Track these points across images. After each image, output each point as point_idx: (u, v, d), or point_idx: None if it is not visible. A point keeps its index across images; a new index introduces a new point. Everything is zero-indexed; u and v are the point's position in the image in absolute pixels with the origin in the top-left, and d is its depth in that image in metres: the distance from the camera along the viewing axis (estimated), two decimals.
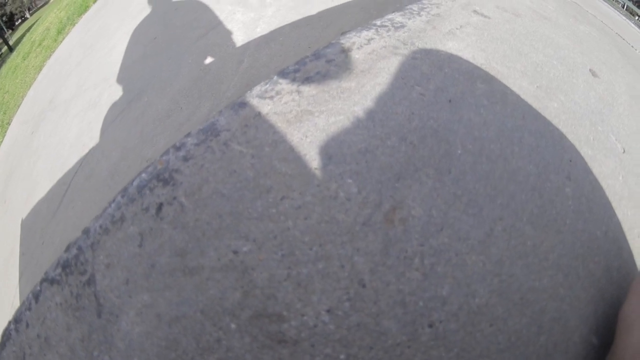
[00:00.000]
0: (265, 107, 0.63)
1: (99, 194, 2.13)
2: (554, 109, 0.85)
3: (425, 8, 1.07)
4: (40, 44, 6.36)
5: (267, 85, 0.69)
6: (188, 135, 0.63)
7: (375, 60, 0.74)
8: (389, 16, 0.98)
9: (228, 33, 2.43)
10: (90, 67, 3.59)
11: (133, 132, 2.33)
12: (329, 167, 0.57)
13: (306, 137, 0.59)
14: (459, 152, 0.64)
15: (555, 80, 0.93)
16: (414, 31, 0.90)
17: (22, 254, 2.27)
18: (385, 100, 0.64)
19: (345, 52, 0.74)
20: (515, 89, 0.83)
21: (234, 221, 0.55)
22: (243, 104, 0.63)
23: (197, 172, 0.58)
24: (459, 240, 0.58)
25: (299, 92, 0.66)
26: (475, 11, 1.10)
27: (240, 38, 2.34)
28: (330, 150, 0.58)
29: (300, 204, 0.55)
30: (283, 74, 0.71)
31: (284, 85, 0.67)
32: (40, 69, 5.22)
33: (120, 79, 3.00)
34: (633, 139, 0.96)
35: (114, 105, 2.74)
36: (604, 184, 0.80)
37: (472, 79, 0.79)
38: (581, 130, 0.86)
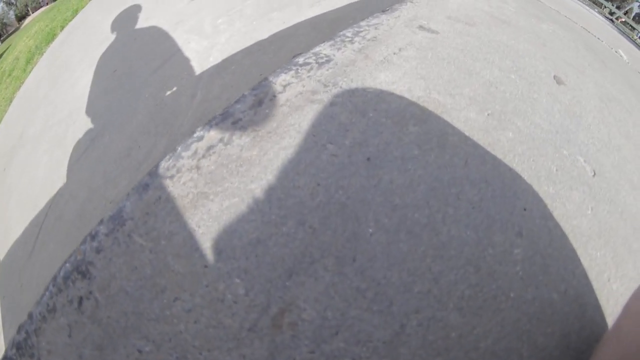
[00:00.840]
0: (165, 190, 0.62)
1: (69, 236, 2.11)
2: (507, 142, 0.76)
3: (361, 32, 0.99)
4: (10, 74, 6.29)
5: (170, 161, 0.68)
6: (100, 222, 0.62)
7: (286, 115, 0.70)
8: (316, 49, 0.92)
9: (182, 63, 2.41)
10: (56, 101, 3.56)
11: (97, 172, 2.31)
12: (218, 265, 0.55)
13: (199, 227, 0.57)
14: (370, 231, 0.58)
15: (511, 101, 0.84)
16: (341, 66, 0.83)
17: (3, 297, 2.25)
18: (287, 171, 0.60)
19: (254, 107, 0.71)
20: (459, 124, 0.75)
21: (137, 321, 0.54)
22: (146, 186, 0.62)
23: (107, 267, 0.57)
24: (358, 343, 0.53)
25: (198, 168, 0.64)
26: (421, 27, 1.02)
27: (194, 68, 2.32)
28: (221, 244, 0.56)
29: (190, 307, 0.54)
30: (186, 146, 0.70)
31: (185, 160, 0.66)
32: (11, 101, 5.16)
33: (83, 115, 2.97)
34: (604, 153, 0.86)
35: (79, 143, 2.71)
36: (567, 227, 0.70)
37: (402, 121, 0.72)
38: (542, 162, 0.77)
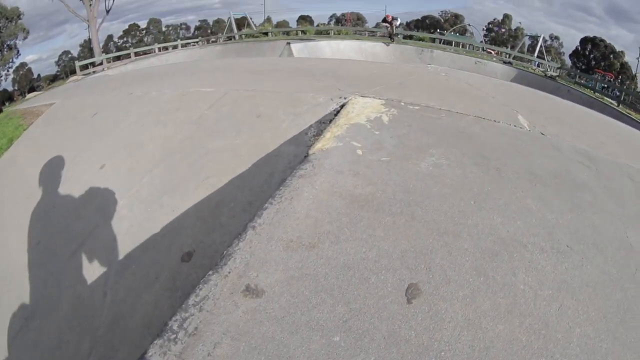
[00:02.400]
0: None
1: None
2: None
3: (185, 321, 1.30)
4: None
5: None
6: None
7: None
8: (149, 352, 1.22)
9: (93, 252, 2.73)
10: None
11: (34, 358, 2.64)
12: None
13: None
14: None
15: None
16: None
17: None
18: None
19: None
20: None
21: None
22: None
23: None
24: None
25: None
26: (247, 289, 1.44)
27: (102, 259, 2.65)
28: None
29: None
30: None
31: None
32: None
33: (15, 284, 3.22)
34: None
35: (14, 317, 3.00)
36: None
37: None
38: None
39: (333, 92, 2.91)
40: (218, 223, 2.20)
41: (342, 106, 2.54)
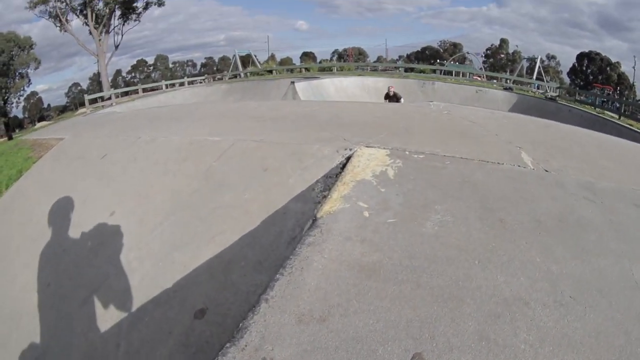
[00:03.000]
0: None
1: None
2: None
3: None
4: None
5: None
6: None
7: None
8: None
9: (106, 300, 2.77)
10: None
11: None
12: None
13: None
14: None
15: None
16: None
17: None
18: None
19: None
20: None
21: None
22: None
23: None
24: None
25: None
26: None
27: (115, 309, 2.68)
28: None
29: None
30: None
31: None
32: None
33: (24, 324, 3.24)
34: None
35: (23, 356, 3.01)
36: None
37: None
38: None
39: (338, 142, 3.03)
40: (230, 281, 2.24)
41: (348, 158, 2.65)
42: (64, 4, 32.03)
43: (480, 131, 3.62)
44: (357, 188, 2.17)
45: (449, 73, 24.21)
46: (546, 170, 2.63)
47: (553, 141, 3.59)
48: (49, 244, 3.46)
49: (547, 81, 27.95)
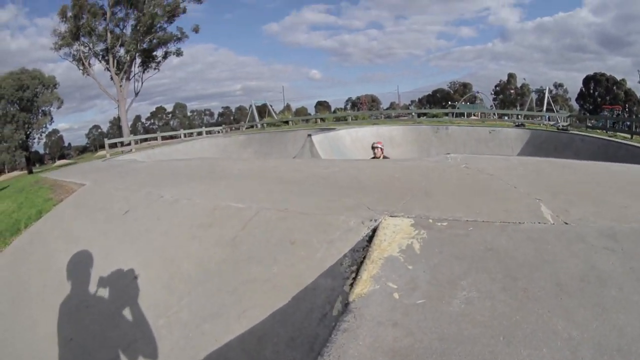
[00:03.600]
0: None
1: None
2: None
3: None
4: None
5: None
6: None
7: None
8: None
9: None
10: (14, 341, 3.80)
11: None
12: None
13: None
14: None
15: None
16: None
17: None
18: None
19: None
20: None
21: None
22: None
23: None
24: None
25: None
26: None
27: None
28: None
29: None
30: None
31: None
32: None
33: None
34: None
35: None
36: None
37: None
38: None
39: (362, 212, 3.11)
40: (263, 357, 2.26)
41: (373, 230, 2.72)
42: (87, 48, 33.85)
43: (499, 185, 3.67)
44: (386, 266, 2.22)
45: (462, 114, 24.61)
46: (566, 223, 2.64)
47: (571, 185, 3.63)
48: (70, 297, 3.49)
49: (557, 111, 28.14)
